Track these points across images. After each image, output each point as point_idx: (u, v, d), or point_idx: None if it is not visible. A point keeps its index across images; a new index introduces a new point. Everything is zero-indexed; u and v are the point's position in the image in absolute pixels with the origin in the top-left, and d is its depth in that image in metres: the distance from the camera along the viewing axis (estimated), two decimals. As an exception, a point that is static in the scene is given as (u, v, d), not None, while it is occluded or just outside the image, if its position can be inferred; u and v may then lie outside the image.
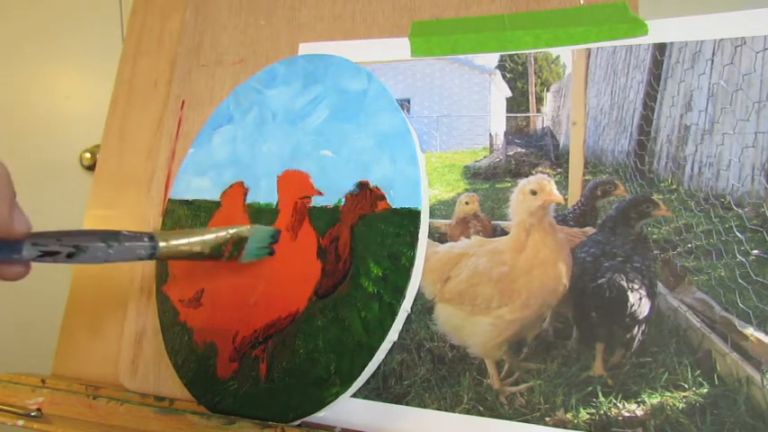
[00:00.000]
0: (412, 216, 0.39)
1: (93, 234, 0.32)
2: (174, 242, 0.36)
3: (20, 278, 0.30)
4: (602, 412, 0.34)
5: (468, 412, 0.36)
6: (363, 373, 0.37)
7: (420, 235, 0.38)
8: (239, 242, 0.40)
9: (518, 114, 0.43)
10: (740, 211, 0.35)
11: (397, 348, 0.39)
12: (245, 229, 0.40)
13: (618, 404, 0.34)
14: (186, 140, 0.51)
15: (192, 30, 0.55)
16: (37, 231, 0.30)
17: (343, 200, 0.41)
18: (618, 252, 0.37)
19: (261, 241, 0.41)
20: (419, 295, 0.39)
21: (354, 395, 0.38)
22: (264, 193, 0.44)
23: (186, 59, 0.54)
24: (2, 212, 0.27)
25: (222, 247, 0.39)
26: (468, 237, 0.40)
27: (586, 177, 0.39)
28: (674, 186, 0.37)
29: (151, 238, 0.35)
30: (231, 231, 0.40)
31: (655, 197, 0.37)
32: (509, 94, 0.43)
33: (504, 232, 0.40)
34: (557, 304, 0.37)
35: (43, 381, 0.45)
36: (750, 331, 0.33)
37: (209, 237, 0.38)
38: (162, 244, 0.35)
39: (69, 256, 0.30)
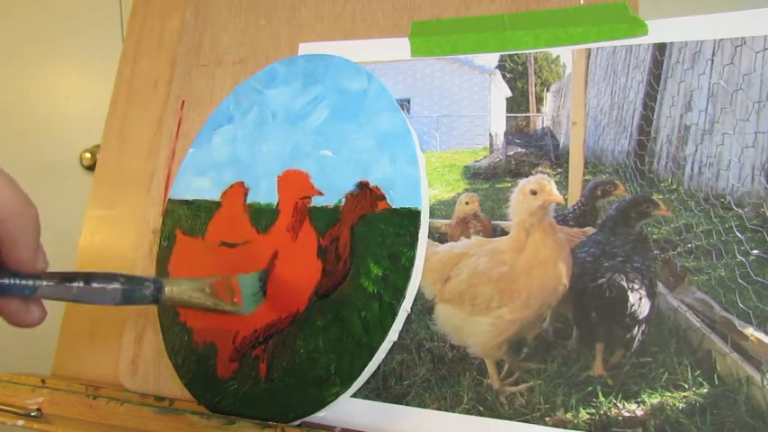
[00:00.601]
0: (412, 216, 0.39)
1: (104, 274, 0.34)
2: (180, 287, 0.38)
3: (36, 324, 0.32)
4: (602, 412, 0.34)
5: (468, 412, 0.36)
6: (363, 373, 0.37)
7: (420, 235, 0.38)
8: (232, 289, 0.40)
9: (518, 114, 0.43)
10: (740, 211, 0.35)
11: (397, 348, 0.39)
12: (232, 277, 0.41)
13: (618, 404, 0.34)
14: (186, 140, 0.51)
15: (192, 30, 0.55)
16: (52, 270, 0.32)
17: (344, 200, 0.41)
18: (618, 252, 0.37)
19: (251, 287, 0.41)
20: (419, 295, 0.39)
21: (354, 395, 0.38)
22: (265, 193, 0.44)
23: (186, 59, 0.54)
24: (29, 251, 0.28)
25: (219, 295, 0.40)
26: (468, 237, 0.40)
27: (586, 177, 0.39)
28: (674, 186, 0.37)
29: (158, 283, 0.37)
30: (219, 278, 0.40)
31: (655, 197, 0.37)
32: (509, 94, 0.43)
33: (504, 232, 0.40)
34: (557, 304, 0.37)
35: (43, 381, 0.45)
36: (750, 331, 0.33)
37: (206, 281, 0.40)
38: (167, 289, 0.37)
39: (86, 282, 0.32)
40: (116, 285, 0.34)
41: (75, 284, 0.32)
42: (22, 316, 0.31)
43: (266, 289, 0.42)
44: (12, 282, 0.30)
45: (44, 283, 0.31)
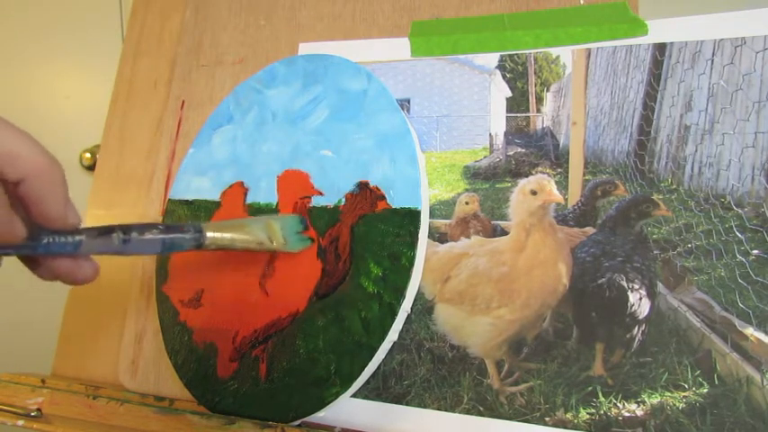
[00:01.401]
0: (412, 216, 0.39)
1: (143, 224, 0.34)
2: (221, 233, 0.37)
3: (91, 280, 0.32)
4: (602, 412, 0.34)
5: (468, 412, 0.36)
6: (363, 373, 0.37)
7: (420, 235, 0.38)
8: (276, 228, 0.40)
9: (518, 114, 0.43)
10: (740, 211, 0.35)
11: (397, 348, 0.39)
12: (274, 216, 0.41)
13: (618, 404, 0.34)
14: (186, 140, 0.51)
15: (191, 30, 0.55)
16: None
17: (344, 200, 0.41)
18: (618, 252, 0.37)
19: (294, 227, 0.41)
20: (419, 295, 0.39)
21: (354, 395, 0.38)
22: (264, 193, 0.44)
23: (186, 59, 0.54)
24: (58, 208, 0.29)
25: (264, 235, 0.39)
26: (468, 237, 0.40)
27: (586, 177, 0.39)
28: (674, 186, 0.37)
29: (198, 228, 0.36)
30: (265, 221, 0.40)
31: (655, 197, 0.37)
32: (509, 94, 0.43)
33: (504, 232, 0.40)
34: (557, 304, 0.37)
35: (43, 381, 0.45)
36: (750, 331, 0.33)
37: (251, 224, 0.39)
38: (209, 234, 0.36)
39: (125, 233, 0.32)
40: (155, 234, 0.33)
41: (115, 235, 0.32)
42: (75, 273, 0.31)
43: (311, 237, 0.41)
44: (51, 240, 0.30)
45: (84, 237, 0.31)
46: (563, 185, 0.39)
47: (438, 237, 0.41)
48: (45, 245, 0.30)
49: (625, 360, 0.35)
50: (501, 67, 0.43)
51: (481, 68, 0.44)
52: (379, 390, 0.39)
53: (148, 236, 0.33)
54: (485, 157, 0.43)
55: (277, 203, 0.44)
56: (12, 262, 0.31)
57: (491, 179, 0.42)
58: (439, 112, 0.45)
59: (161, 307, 0.46)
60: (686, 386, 0.33)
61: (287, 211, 0.43)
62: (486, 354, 0.37)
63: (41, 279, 0.31)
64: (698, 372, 0.33)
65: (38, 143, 0.27)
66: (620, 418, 0.34)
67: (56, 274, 0.31)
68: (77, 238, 0.30)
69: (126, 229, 0.32)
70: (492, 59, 0.44)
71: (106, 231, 0.31)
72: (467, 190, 0.42)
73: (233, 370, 0.41)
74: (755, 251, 0.34)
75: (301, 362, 0.39)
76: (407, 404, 0.38)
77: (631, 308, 0.35)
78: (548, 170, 0.40)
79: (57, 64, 1.11)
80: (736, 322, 0.33)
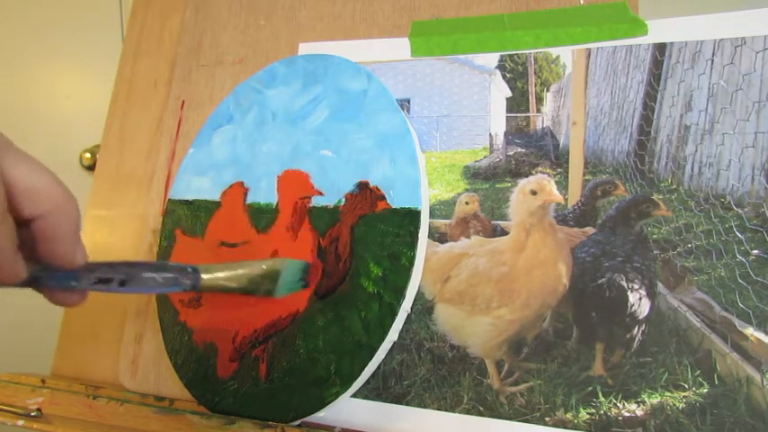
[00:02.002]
0: (412, 216, 0.39)
1: (143, 264, 0.34)
2: (216, 274, 0.37)
3: (77, 305, 0.32)
4: (602, 412, 0.34)
5: (468, 412, 0.36)
6: (363, 373, 0.37)
7: (420, 235, 0.38)
8: (274, 276, 0.39)
9: (518, 114, 0.43)
10: (740, 211, 0.35)
11: (397, 348, 0.39)
12: (278, 261, 0.40)
13: (618, 404, 0.34)
14: (186, 140, 0.51)
15: (191, 30, 0.55)
16: (92, 261, 0.31)
17: (344, 200, 0.41)
18: (618, 252, 0.37)
19: (294, 275, 0.40)
20: (419, 295, 0.39)
21: (354, 395, 0.38)
22: (265, 193, 0.44)
23: (186, 59, 0.54)
24: (68, 245, 0.28)
25: (258, 282, 0.39)
26: (468, 237, 0.40)
27: (586, 177, 0.39)
28: (674, 186, 0.37)
29: (195, 269, 0.36)
30: (265, 266, 0.40)
31: (655, 197, 0.37)
32: (509, 94, 0.43)
33: (504, 232, 0.40)
34: (557, 304, 0.37)
35: (43, 381, 0.45)
36: (750, 331, 0.33)
37: (247, 269, 0.39)
38: (204, 276, 0.37)
39: (121, 284, 0.32)
40: (154, 275, 0.34)
41: (115, 280, 0.32)
42: (65, 299, 0.31)
43: (307, 281, 0.41)
44: (52, 281, 0.30)
45: (83, 282, 0.31)
46: (563, 185, 0.39)
47: (438, 237, 0.41)
48: (44, 282, 0.30)
49: (625, 360, 0.35)
50: (501, 67, 0.43)
51: (481, 68, 0.44)
52: (379, 390, 0.39)
53: (145, 279, 0.33)
54: (485, 157, 0.43)
55: (277, 203, 0.44)
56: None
57: (491, 179, 0.42)
58: (439, 112, 0.45)
59: (161, 307, 0.46)
60: (686, 386, 0.33)
61: (287, 212, 0.43)
62: (486, 354, 0.37)
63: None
64: (698, 372, 0.33)
65: (53, 175, 0.27)
66: (620, 418, 0.34)
67: (44, 294, 0.31)
68: (73, 283, 0.30)
69: (123, 279, 0.32)
70: (492, 59, 0.44)
71: (104, 280, 0.32)
72: (467, 190, 0.42)
73: (233, 370, 0.41)
74: (755, 251, 0.34)
75: (301, 362, 0.39)
76: (407, 404, 0.38)
77: (631, 308, 0.35)
78: (548, 170, 0.40)
79: (57, 64, 1.11)
80: (736, 322, 0.33)
